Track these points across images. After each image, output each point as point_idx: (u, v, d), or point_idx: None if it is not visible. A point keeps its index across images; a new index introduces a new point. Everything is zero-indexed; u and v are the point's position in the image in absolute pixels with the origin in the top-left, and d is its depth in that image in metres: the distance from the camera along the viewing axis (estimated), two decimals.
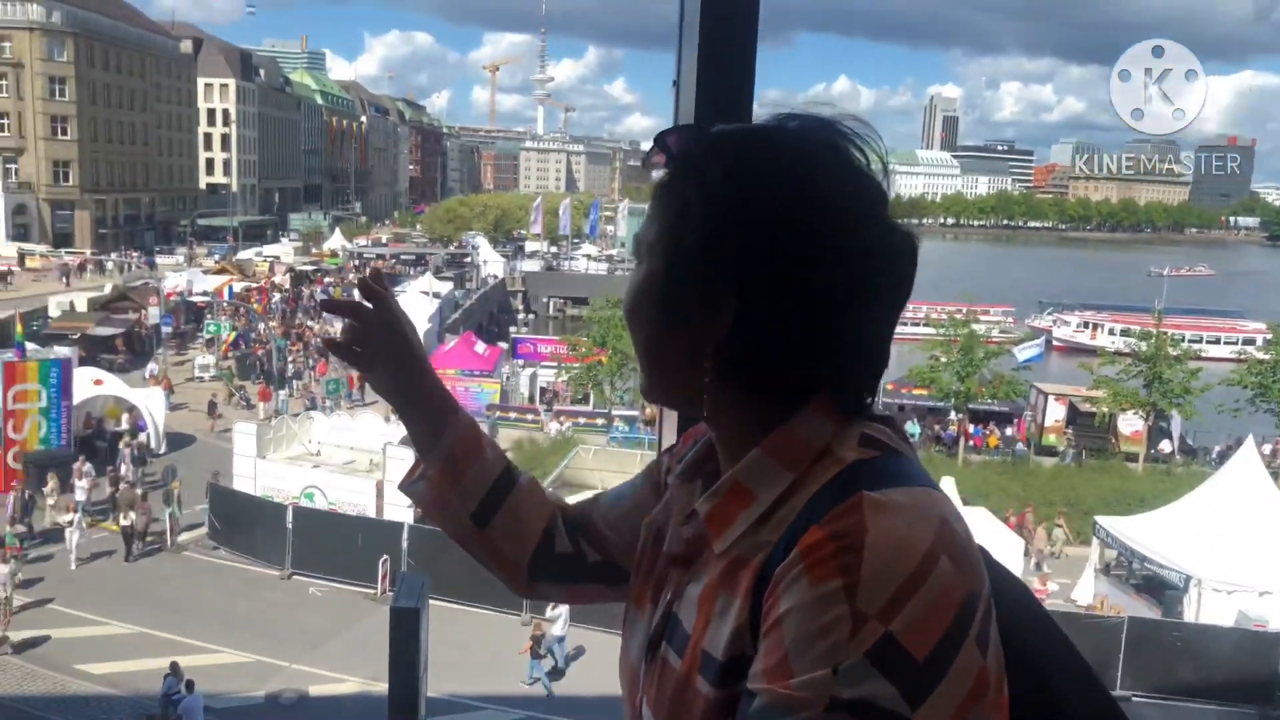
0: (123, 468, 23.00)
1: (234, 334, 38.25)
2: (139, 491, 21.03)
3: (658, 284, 0.87)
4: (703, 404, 0.88)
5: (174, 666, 14.29)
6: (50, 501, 20.39)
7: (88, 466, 22.19)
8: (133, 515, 20.07)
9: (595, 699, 14.35)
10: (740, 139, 0.86)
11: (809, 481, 0.81)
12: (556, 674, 16.47)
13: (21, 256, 62.19)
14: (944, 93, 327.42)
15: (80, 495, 21.08)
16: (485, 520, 1.16)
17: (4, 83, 75.33)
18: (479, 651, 16.90)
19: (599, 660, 16.21)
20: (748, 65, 1.34)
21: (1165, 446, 31.62)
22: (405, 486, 1.19)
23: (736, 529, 0.83)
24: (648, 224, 0.90)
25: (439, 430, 1.16)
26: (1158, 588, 20.03)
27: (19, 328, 26.68)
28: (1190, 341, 38.69)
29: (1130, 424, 31.45)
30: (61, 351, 27.67)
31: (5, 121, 75.68)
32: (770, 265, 0.81)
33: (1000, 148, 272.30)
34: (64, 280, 53.91)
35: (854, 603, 0.70)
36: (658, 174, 0.91)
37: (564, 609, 16.32)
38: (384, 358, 1.14)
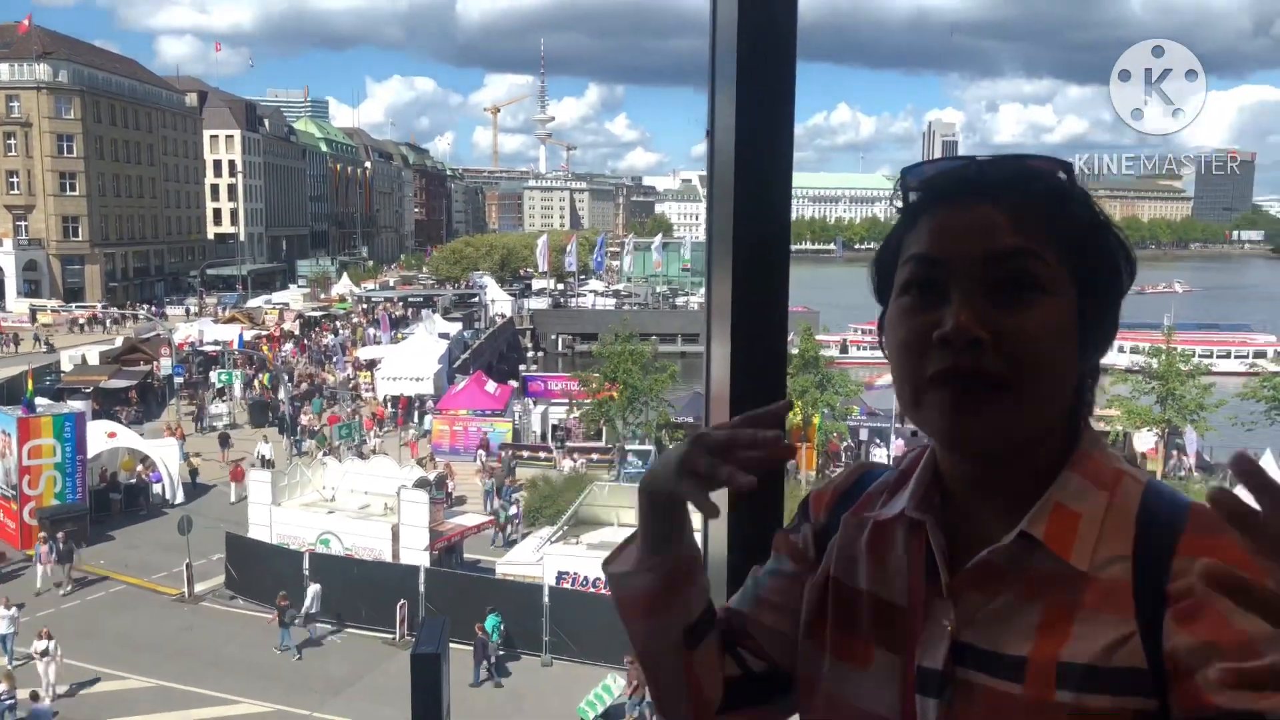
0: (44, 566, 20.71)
1: (267, 378, 38.48)
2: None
3: (1072, 313, 0.87)
4: (1062, 437, 0.90)
5: (7, 674, 15.39)
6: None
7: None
8: None
9: None
10: (1061, 170, 0.90)
11: (1121, 499, 0.87)
12: (311, 643, 18.57)
13: (33, 313, 62.73)
14: (943, 117, 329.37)
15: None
16: (695, 642, 1.04)
17: (13, 141, 76.62)
18: (500, 694, 16.89)
19: None
20: (787, 108, 1.40)
21: (1182, 463, 31.44)
22: (615, 571, 1.04)
23: (1084, 547, 0.85)
24: (1023, 255, 0.85)
25: (678, 535, 1.02)
26: None
27: (29, 384, 26.77)
28: (1200, 357, 38.56)
29: (1145, 441, 31.32)
30: (75, 406, 27.86)
31: (15, 180, 76.82)
32: (1121, 285, 0.91)
33: None
34: (86, 330, 56.40)
35: None
36: (899, 200, 0.94)
37: (314, 588, 18.68)
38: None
